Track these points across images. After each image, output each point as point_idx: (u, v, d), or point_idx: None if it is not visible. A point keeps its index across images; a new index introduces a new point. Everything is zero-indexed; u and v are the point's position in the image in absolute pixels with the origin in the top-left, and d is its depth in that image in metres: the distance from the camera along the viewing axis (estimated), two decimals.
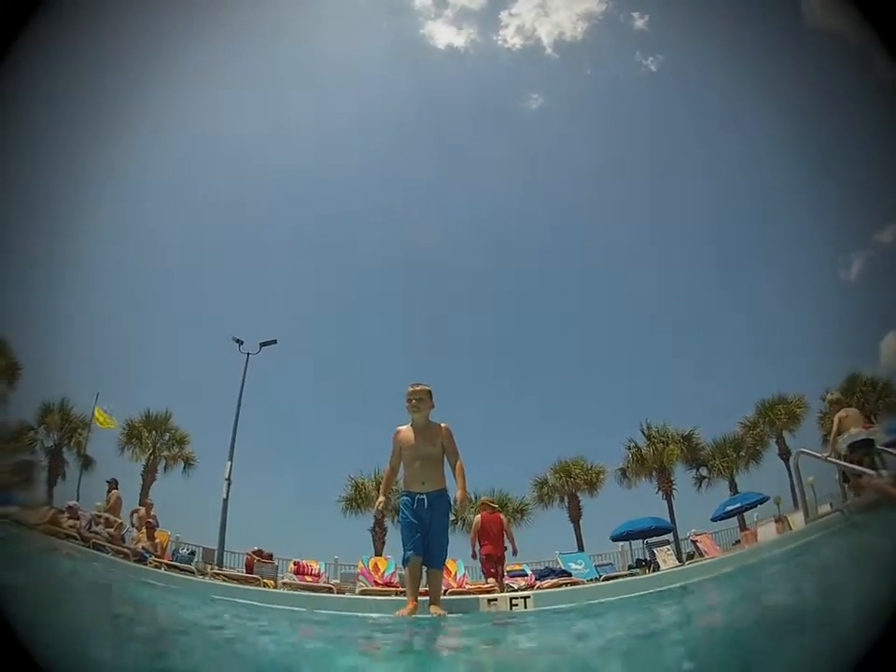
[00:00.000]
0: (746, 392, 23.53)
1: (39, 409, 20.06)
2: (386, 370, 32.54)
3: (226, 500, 14.39)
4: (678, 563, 11.76)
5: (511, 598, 5.05)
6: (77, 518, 9.23)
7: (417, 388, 4.24)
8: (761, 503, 16.36)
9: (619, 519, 16.89)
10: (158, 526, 10.67)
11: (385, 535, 19.94)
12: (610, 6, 31.78)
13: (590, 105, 33.46)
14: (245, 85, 31.19)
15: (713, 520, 16.89)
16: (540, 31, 36.12)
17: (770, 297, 28.52)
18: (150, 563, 9.11)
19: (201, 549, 12.29)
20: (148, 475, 20.52)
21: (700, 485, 22.46)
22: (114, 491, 10.64)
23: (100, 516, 9.66)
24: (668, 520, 18.95)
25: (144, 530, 10.27)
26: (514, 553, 8.54)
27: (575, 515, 21.51)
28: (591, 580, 10.41)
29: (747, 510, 16.45)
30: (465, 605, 5.09)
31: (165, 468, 21.31)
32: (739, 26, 23.55)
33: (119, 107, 21.82)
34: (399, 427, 4.29)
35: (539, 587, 9.33)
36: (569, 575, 10.50)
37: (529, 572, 10.82)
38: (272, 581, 10.47)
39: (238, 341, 16.89)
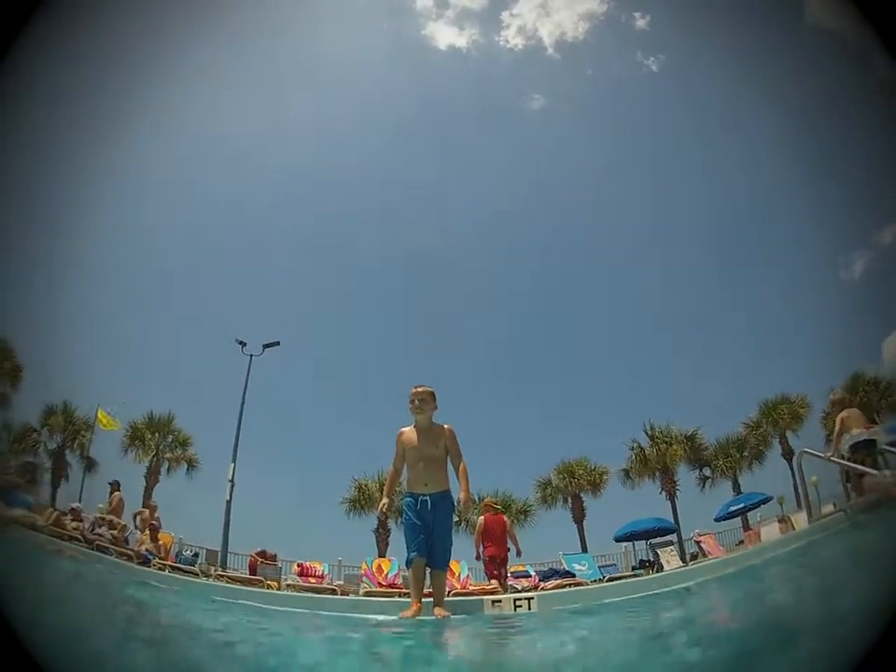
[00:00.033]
0: (748, 392, 23.58)
1: (42, 411, 20.13)
2: (388, 370, 32.68)
3: (229, 502, 14.42)
4: (681, 563, 11.72)
5: (515, 600, 5.04)
6: (81, 520, 9.24)
7: (420, 390, 4.24)
8: (764, 503, 16.33)
9: (622, 520, 16.87)
10: (161, 528, 10.68)
11: (388, 536, 19.95)
12: (611, 6, 31.87)
13: (591, 105, 33.53)
14: (244, 85, 31.27)
15: (716, 520, 16.85)
16: (542, 31, 36.35)
17: (770, 297, 28.54)
18: (154, 565, 9.13)
19: (204, 550, 12.29)
20: (152, 477, 20.53)
21: (703, 486, 22.45)
22: (116, 493, 10.64)
23: (103, 518, 9.66)
24: (672, 520, 18.89)
25: (147, 532, 10.27)
26: (518, 554, 8.54)
27: (578, 516, 21.50)
28: (594, 580, 10.40)
29: (750, 510, 16.42)
30: (469, 606, 5.09)
31: (168, 469, 21.35)
32: (740, 27, 23.56)
33: (118, 107, 21.87)
34: (403, 429, 4.29)
35: (542, 588, 9.32)
36: (573, 576, 10.49)
37: (533, 573, 10.82)
38: (275, 583, 10.47)
39: (241, 342, 16.90)
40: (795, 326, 25.63)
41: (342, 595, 9.34)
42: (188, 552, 11.60)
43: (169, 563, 9.99)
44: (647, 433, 22.45)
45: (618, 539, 16.38)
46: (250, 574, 10.74)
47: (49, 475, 19.46)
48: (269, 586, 10.00)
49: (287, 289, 35.51)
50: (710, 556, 11.30)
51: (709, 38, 25.44)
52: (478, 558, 8.36)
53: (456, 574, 9.99)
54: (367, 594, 9.36)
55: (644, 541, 15.32)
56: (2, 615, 1.32)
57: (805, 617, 1.80)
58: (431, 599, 4.02)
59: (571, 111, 33.92)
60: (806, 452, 6.66)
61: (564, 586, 9.27)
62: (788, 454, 20.62)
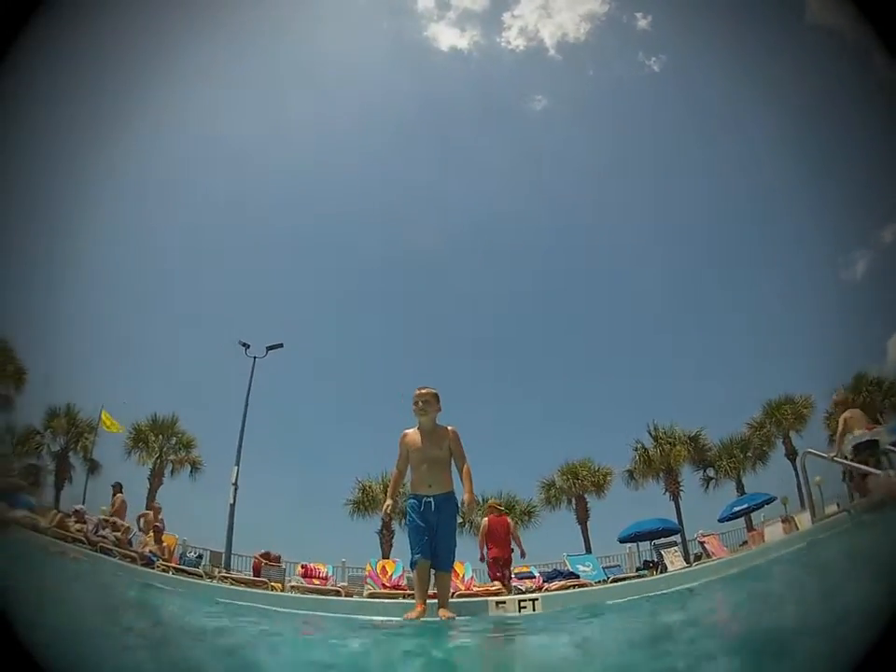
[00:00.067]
0: (751, 392, 23.56)
1: (45, 413, 20.15)
2: (390, 371, 32.67)
3: (233, 505, 14.41)
4: (685, 564, 11.71)
5: (520, 601, 5.02)
6: (84, 522, 9.27)
7: (424, 391, 4.22)
8: (768, 503, 16.31)
9: (626, 521, 16.86)
10: (165, 530, 10.70)
11: (392, 538, 19.95)
12: (613, 7, 31.93)
13: (593, 105, 33.58)
14: (244, 85, 31.36)
15: (720, 521, 16.80)
16: (543, 32, 36.42)
17: (771, 297, 28.51)
18: (158, 566, 9.14)
19: (208, 552, 12.32)
20: (155, 479, 20.55)
21: (707, 486, 22.43)
22: (119, 495, 10.68)
23: (107, 520, 9.68)
24: (676, 521, 18.86)
25: (151, 534, 10.29)
26: (522, 555, 8.53)
27: (582, 517, 21.48)
28: (599, 581, 10.37)
29: (754, 510, 16.40)
30: (473, 608, 5.07)
31: (172, 471, 21.37)
32: (740, 27, 23.57)
33: (119, 107, 21.91)
34: (406, 431, 4.28)
35: (546, 589, 9.31)
36: (577, 577, 10.46)
37: (537, 574, 10.80)
38: (279, 585, 10.48)
39: (244, 345, 16.89)
40: (796, 326, 25.68)
41: (346, 596, 9.33)
42: (192, 553, 11.62)
43: (173, 564, 10.00)
44: (650, 434, 22.45)
45: (622, 540, 16.36)
46: (254, 576, 10.75)
47: (52, 477, 19.54)
48: (273, 588, 10.00)
49: (288, 289, 35.63)
50: (714, 557, 11.27)
51: (710, 39, 25.49)
52: (482, 559, 8.35)
53: (461, 575, 9.96)
54: (371, 595, 9.34)
55: (648, 542, 15.31)
56: (4, 616, 1.32)
57: (808, 617, 1.80)
58: (436, 601, 4.01)
59: (572, 112, 33.99)
60: (810, 452, 6.64)
61: (568, 587, 9.24)
62: (791, 454, 20.56)
